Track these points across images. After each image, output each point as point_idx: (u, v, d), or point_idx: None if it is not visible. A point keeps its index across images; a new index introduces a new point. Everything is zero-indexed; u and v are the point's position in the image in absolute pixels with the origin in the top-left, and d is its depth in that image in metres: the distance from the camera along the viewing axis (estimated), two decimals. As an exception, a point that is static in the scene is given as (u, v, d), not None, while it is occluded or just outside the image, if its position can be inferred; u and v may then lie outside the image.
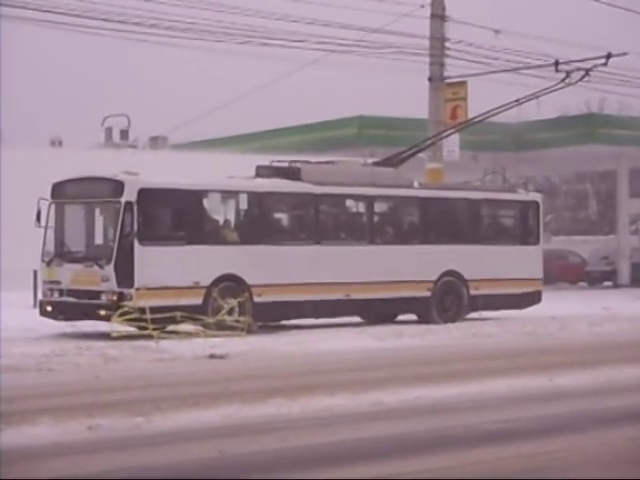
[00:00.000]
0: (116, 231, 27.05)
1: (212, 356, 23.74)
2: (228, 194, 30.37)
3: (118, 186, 27.40)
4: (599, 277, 64.01)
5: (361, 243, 32.03)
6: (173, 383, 20.49)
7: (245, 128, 55.82)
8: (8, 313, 31.44)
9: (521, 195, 36.46)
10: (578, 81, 38.35)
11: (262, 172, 32.56)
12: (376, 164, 36.26)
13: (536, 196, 36.95)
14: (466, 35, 40.01)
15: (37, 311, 29.64)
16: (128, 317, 26.81)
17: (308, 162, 33.53)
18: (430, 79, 40.39)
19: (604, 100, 55.43)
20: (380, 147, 57.51)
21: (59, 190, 29.15)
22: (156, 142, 42.55)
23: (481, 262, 33.52)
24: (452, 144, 41.79)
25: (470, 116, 42.23)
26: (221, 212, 30.29)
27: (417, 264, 32.34)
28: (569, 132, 57.96)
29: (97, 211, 28.90)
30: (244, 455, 12.72)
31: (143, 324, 26.90)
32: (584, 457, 12.70)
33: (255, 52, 38.32)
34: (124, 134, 34.91)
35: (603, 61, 38.31)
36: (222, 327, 27.99)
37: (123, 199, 26.83)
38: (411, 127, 46.10)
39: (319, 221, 31.76)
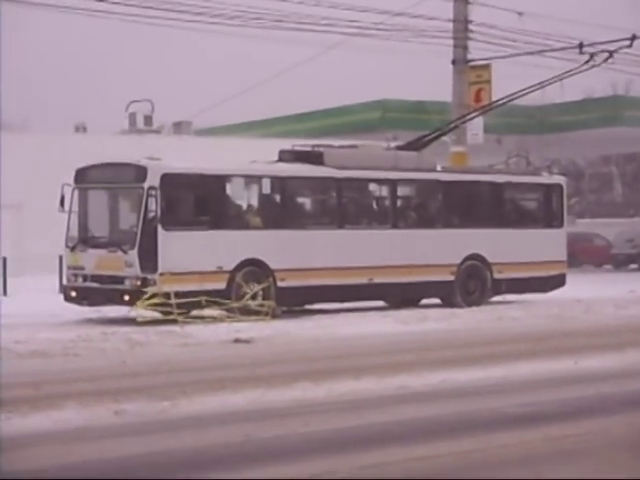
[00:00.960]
0: (139, 216, 26.99)
1: (237, 340, 23.79)
2: (251, 179, 30.33)
3: (141, 171, 27.37)
4: (624, 260, 63.84)
5: (384, 227, 31.87)
6: (198, 368, 20.47)
7: (268, 113, 55.76)
8: (34, 298, 31.61)
9: (545, 178, 36.32)
10: (602, 63, 38.35)
11: (285, 157, 32.42)
12: (399, 148, 36.10)
13: (560, 179, 36.77)
14: (489, 17, 39.96)
15: (62, 296, 29.40)
16: (152, 302, 26.80)
17: (331, 146, 33.41)
18: (454, 62, 40.32)
19: (630, 82, 55.10)
20: (403, 131, 57.39)
21: (83, 176, 29.16)
22: (180, 127, 42.59)
23: (505, 245, 33.32)
24: (476, 127, 41.72)
25: (494, 99, 42.15)
26: (244, 197, 30.25)
27: (441, 248, 32.16)
28: (594, 114, 57.80)
29: (120, 196, 28.87)
30: (269, 439, 12.81)
31: (167, 309, 26.97)
32: (610, 439, 12.76)
33: (276, 36, 38.21)
34: (148, 120, 35.01)
35: (628, 43, 38.19)
36: (246, 312, 27.91)
37: (146, 184, 26.81)
38: (435, 110, 46.05)
39: (342, 205, 31.49)
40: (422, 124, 53.47)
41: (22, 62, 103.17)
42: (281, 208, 30.52)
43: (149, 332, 25.75)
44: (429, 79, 41.34)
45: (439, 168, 34.27)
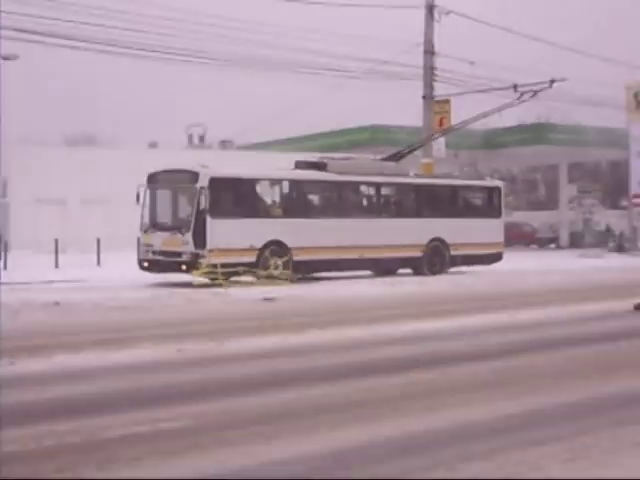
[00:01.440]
0: (193, 208, 27.59)
1: (265, 299, 24.08)
2: (274, 181, 30.78)
3: (194, 176, 27.82)
4: (546, 241, 64.05)
5: (371, 217, 32.34)
6: (237, 319, 20.74)
7: (289, 133, 55.66)
8: (119, 268, 31.94)
9: (487, 182, 37.60)
10: (529, 99, 38.93)
11: (299, 165, 33.09)
12: (383, 159, 36.73)
13: (499, 183, 37.49)
14: (450, 64, 40.12)
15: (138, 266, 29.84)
16: (204, 271, 27.38)
17: (332, 158, 33.73)
18: (424, 97, 40.57)
19: (550, 112, 54.97)
20: (387, 147, 57.41)
21: (152, 179, 29.70)
22: (225, 144, 42.41)
23: (458, 231, 33.72)
24: (439, 145, 42.02)
25: (452, 124, 42.59)
26: (269, 194, 30.68)
27: (412, 232, 32.55)
28: (524, 136, 57.81)
29: (179, 194, 29.37)
30: (288, 370, 13.11)
31: (214, 276, 27.46)
32: (536, 370, 13.06)
33: (295, 77, 38.21)
34: (202, 138, 34.83)
35: (548, 85, 38.70)
36: (271, 278, 28.35)
37: (198, 185, 27.42)
38: (410, 132, 46.08)
39: (341, 201, 32.06)
40: (400, 142, 53.50)
41: (111, 90, 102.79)
42: (296, 202, 30.99)
43: (202, 292, 26.19)
44: (406, 109, 41.42)
45: (412, 174, 34.88)
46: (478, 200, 36.20)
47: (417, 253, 32.66)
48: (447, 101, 41.63)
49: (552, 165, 70.48)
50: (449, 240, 33.43)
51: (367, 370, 12.78)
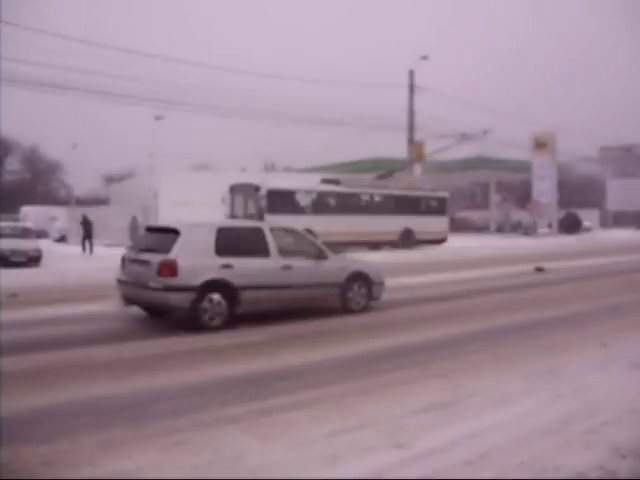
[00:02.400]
0: (257, 207, 27.94)
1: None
2: (307, 192, 30.62)
3: (258, 187, 28.24)
4: (482, 228, 63.34)
5: (368, 215, 32.08)
6: None
7: (326, 162, 55.38)
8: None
9: (439, 193, 36.51)
10: (469, 140, 39.51)
11: (324, 181, 33.43)
12: (375, 178, 37.48)
13: (445, 194, 36.83)
14: (425, 119, 40.06)
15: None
16: None
17: (343, 177, 34.44)
18: (408, 140, 40.45)
19: (484, 150, 54.82)
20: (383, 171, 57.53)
21: (233, 188, 29.84)
22: (286, 169, 42.45)
23: (421, 223, 33.80)
24: (417, 169, 41.94)
25: (428, 158, 42.88)
26: (304, 200, 30.36)
27: (392, 224, 32.65)
28: (469, 164, 57.68)
29: (249, 198, 29.05)
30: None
31: None
32: (477, 307, 12.90)
33: (331, 128, 38.15)
34: (272, 165, 34.83)
35: (482, 134, 39.11)
36: None
37: (260, 193, 27.92)
38: (399, 162, 45.83)
39: (348, 204, 31.73)
40: (393, 168, 53.50)
41: (218, 135, 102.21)
42: (320, 204, 30.72)
43: None
44: (397, 147, 41.32)
45: (393, 188, 34.67)
46: (433, 204, 35.78)
47: (394, 237, 32.91)
48: (422, 143, 41.64)
49: (485, 182, 70.21)
50: (414, 229, 33.58)
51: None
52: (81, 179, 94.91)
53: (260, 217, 26.85)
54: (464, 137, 41.32)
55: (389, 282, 13.07)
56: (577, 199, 79.19)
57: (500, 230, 59.22)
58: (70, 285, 17.20)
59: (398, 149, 42.66)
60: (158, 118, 51.85)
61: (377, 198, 33.29)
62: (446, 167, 60.13)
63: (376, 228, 31.79)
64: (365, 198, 32.85)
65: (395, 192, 34.19)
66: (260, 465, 4.61)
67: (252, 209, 28.47)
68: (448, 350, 8.63)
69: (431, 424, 5.52)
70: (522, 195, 74.20)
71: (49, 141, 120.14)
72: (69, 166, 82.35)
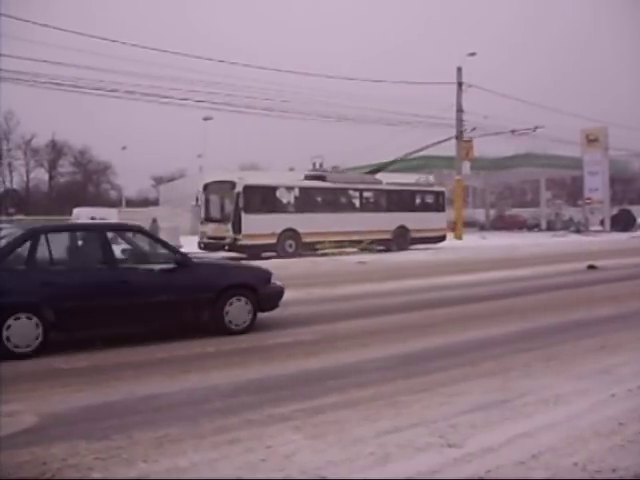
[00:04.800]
0: (233, 206, 26.18)
1: (359, 262, 23.75)
2: (289, 188, 29.04)
3: (234, 184, 26.32)
4: (532, 226, 62.47)
5: (356, 211, 30.23)
6: (343, 274, 20.02)
7: (373, 161, 54.99)
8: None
9: (435, 188, 34.74)
10: (520, 135, 38.77)
11: (308, 176, 31.50)
12: (365, 173, 35.16)
13: (443, 188, 35.13)
14: (473, 116, 39.57)
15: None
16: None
17: (329, 172, 31.62)
18: (456, 138, 40.00)
19: (535, 146, 54.04)
20: (435, 170, 56.86)
21: (206, 186, 28.34)
22: (335, 168, 42.13)
23: (417, 220, 31.67)
24: (466, 166, 41.22)
25: (477, 155, 42.30)
26: (286, 197, 28.77)
27: (385, 222, 30.62)
28: (519, 161, 56.97)
29: (224, 197, 27.52)
30: (375, 305, 13.09)
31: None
32: (525, 305, 12.75)
33: (380, 127, 37.86)
34: (321, 165, 34.60)
35: (533, 129, 38.22)
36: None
37: (236, 190, 25.99)
38: (447, 160, 45.39)
39: (335, 201, 29.88)
40: (441, 166, 53.11)
41: (268, 136, 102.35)
42: (304, 202, 28.75)
43: (320, 258, 26.00)
44: (446, 145, 40.83)
45: (384, 183, 32.49)
46: (429, 200, 33.56)
47: (388, 236, 30.68)
48: (470, 140, 41.04)
49: (535, 179, 69.27)
50: (410, 227, 31.39)
51: (425, 305, 12.82)
52: (131, 180, 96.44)
53: (237, 218, 25.75)
54: (514, 133, 40.68)
55: (440, 281, 12.99)
56: (630, 195, 77.70)
57: (551, 228, 58.40)
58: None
59: (445, 147, 42.16)
60: (207, 119, 52.33)
61: (367, 194, 31.46)
62: (495, 164, 59.61)
63: (367, 226, 29.80)
64: (354, 194, 31.00)
65: (387, 187, 32.34)
66: (311, 464, 4.63)
67: (228, 209, 26.93)
68: (500, 348, 8.55)
69: (483, 423, 5.46)
70: (573, 192, 73.19)
71: (99, 143, 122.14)
72: (119, 167, 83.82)
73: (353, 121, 35.29)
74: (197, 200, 28.70)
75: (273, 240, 26.65)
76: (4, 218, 57.29)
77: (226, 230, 25.91)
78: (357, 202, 30.87)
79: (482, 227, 61.31)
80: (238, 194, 25.87)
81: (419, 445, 4.95)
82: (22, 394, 6.46)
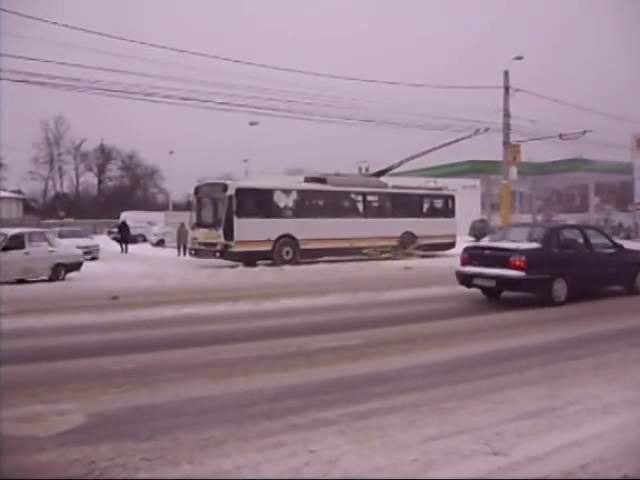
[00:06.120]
0: (225, 211, 24.37)
1: (405, 268, 23.54)
2: (285, 191, 26.92)
3: (225, 187, 24.84)
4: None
5: (359, 216, 28.63)
6: (389, 279, 19.74)
7: (419, 166, 54.69)
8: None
9: (444, 191, 32.90)
10: (568, 140, 38.19)
11: (308, 180, 30.03)
12: (368, 175, 33.58)
13: (453, 192, 33.00)
14: (520, 121, 39.08)
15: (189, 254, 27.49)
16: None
17: (330, 175, 30.11)
18: (503, 143, 39.55)
19: (583, 150, 53.36)
20: (482, 174, 56.40)
21: (197, 190, 27.01)
22: (380, 173, 41.77)
23: (424, 226, 30.03)
24: (513, 171, 40.72)
25: (523, 160, 41.82)
26: (282, 200, 26.67)
27: (390, 228, 28.96)
28: (567, 166, 56.41)
29: (216, 200, 25.42)
30: (420, 311, 13.08)
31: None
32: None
33: (425, 132, 37.47)
34: (367, 169, 34.37)
35: (581, 133, 37.65)
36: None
37: (227, 194, 24.33)
38: (496, 165, 44.82)
39: (336, 205, 28.22)
40: (489, 172, 52.69)
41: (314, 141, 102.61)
42: (302, 206, 27.07)
43: (365, 264, 25.78)
44: (493, 150, 40.40)
45: (389, 186, 30.87)
46: (438, 204, 31.81)
47: (394, 242, 29.04)
48: (518, 145, 40.51)
49: (584, 184, 68.35)
50: (417, 233, 29.73)
51: (469, 311, 12.67)
52: (178, 184, 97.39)
53: (228, 223, 24.34)
54: (562, 138, 40.07)
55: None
56: (683, 201, 76.26)
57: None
58: (168, 289, 17.75)
59: (493, 152, 41.60)
60: (253, 124, 52.78)
61: (371, 197, 29.78)
62: (542, 169, 58.95)
63: (370, 232, 28.30)
64: (357, 198, 29.42)
65: (392, 190, 30.68)
66: (355, 469, 4.62)
67: (220, 213, 25.15)
68: (547, 356, 8.45)
69: (529, 432, 5.40)
70: (623, 197, 71.99)
71: (147, 147, 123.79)
72: (166, 171, 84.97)
73: (399, 125, 34.84)
74: (189, 204, 27.64)
75: (268, 247, 25.34)
76: (54, 221, 58.62)
77: (217, 236, 24.64)
78: (360, 206, 29.49)
79: (529, 233, 60.78)
80: (230, 197, 24.50)
81: (464, 452, 4.93)
82: (72, 394, 6.60)
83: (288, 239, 25.86)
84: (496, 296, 14.53)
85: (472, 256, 14.53)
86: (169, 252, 33.97)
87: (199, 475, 4.55)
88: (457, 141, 34.22)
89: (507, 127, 39.15)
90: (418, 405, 6.18)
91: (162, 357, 8.44)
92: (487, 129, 34.29)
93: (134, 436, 5.30)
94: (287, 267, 23.91)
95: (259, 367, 7.78)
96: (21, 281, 19.16)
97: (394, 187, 30.91)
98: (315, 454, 4.89)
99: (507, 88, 39.49)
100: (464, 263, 14.69)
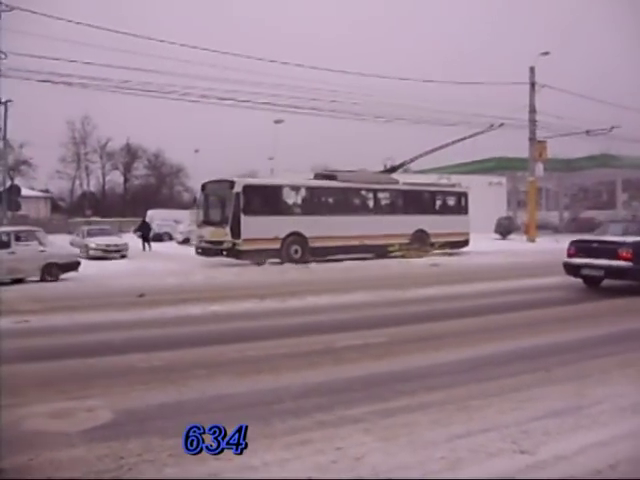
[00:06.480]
0: (232, 208, 23.75)
1: (432, 265, 23.45)
2: (294, 187, 26.50)
3: (232, 184, 24.15)
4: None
5: (369, 214, 27.92)
6: (415, 277, 19.62)
7: (444, 163, 54.34)
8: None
9: (457, 188, 32.16)
10: (595, 136, 38.04)
11: (317, 176, 29.68)
12: (379, 172, 32.65)
13: (466, 189, 31.96)
14: (546, 117, 38.74)
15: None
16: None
17: (340, 171, 29.57)
18: (529, 139, 39.29)
19: (610, 146, 52.79)
20: (507, 171, 55.96)
21: (204, 187, 26.45)
22: (406, 170, 41.52)
23: (437, 224, 29.20)
24: (539, 168, 40.42)
25: (550, 156, 41.57)
26: (291, 197, 26.22)
27: (401, 225, 28.19)
28: (593, 162, 55.91)
29: (223, 197, 24.84)
30: (444, 309, 13.00)
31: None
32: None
33: (452, 128, 37.08)
34: (391, 165, 34.19)
35: (608, 130, 37.25)
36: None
37: (234, 190, 23.70)
38: (522, 161, 44.44)
39: (346, 202, 27.52)
40: (515, 168, 52.32)
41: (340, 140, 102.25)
42: (312, 203, 26.46)
43: (390, 261, 25.64)
44: (519, 146, 40.11)
45: (401, 182, 30.28)
46: (451, 202, 30.99)
47: (405, 240, 28.23)
48: (544, 141, 40.24)
49: (611, 181, 67.61)
50: (429, 231, 28.99)
51: (495, 309, 12.57)
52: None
53: (235, 220, 23.77)
54: (589, 134, 39.63)
55: (512, 284, 12.65)
56: None
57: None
58: (195, 286, 17.87)
59: (519, 148, 41.30)
60: (278, 122, 52.91)
61: (382, 194, 29.26)
62: (569, 165, 58.39)
63: (381, 230, 27.61)
64: (367, 195, 28.86)
65: (404, 187, 30.06)
66: (381, 466, 4.63)
67: (227, 210, 24.52)
68: (574, 354, 8.39)
69: (556, 430, 5.38)
70: (651, 193, 71.25)
71: (173, 146, 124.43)
72: (192, 170, 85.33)
73: (427, 123, 34.59)
74: (195, 201, 27.12)
75: (276, 245, 24.75)
76: (81, 220, 59.15)
77: (224, 234, 24.09)
78: (371, 203, 28.92)
79: (556, 230, 60.07)
80: (237, 194, 23.92)
81: (491, 450, 4.91)
82: (100, 390, 6.68)
83: (297, 237, 25.38)
84: (597, 285, 15.77)
85: (579, 249, 15.70)
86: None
87: (226, 471, 4.58)
88: (471, 137, 33.42)
89: (533, 123, 38.96)
90: (444, 403, 6.17)
91: (188, 354, 8.51)
92: (501, 124, 33.67)
93: (161, 432, 5.35)
94: (313, 265, 23.93)
95: (285, 364, 7.81)
96: (18, 281, 18.84)
97: (405, 184, 30.49)
98: (342, 451, 4.90)
99: (533, 84, 39.28)
100: (571, 255, 15.88)
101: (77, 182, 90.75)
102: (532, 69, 39.76)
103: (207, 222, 25.52)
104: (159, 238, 43.34)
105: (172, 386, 6.85)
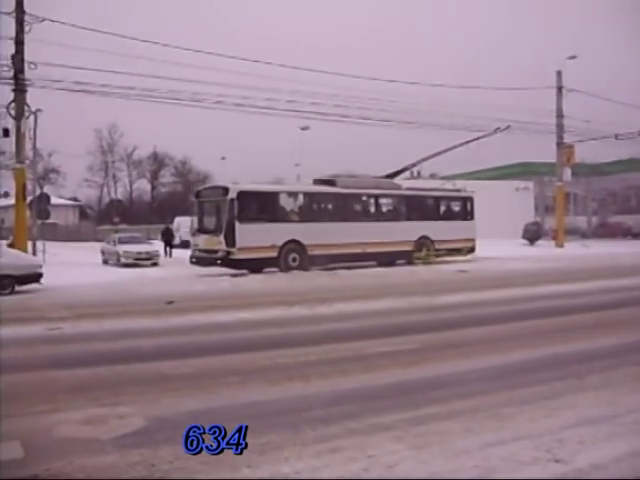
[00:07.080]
0: (226, 215, 23.11)
1: (459, 271, 23.27)
2: (291, 194, 26.11)
3: (226, 190, 23.50)
4: (638, 234, 59.78)
5: (371, 220, 27.22)
6: (442, 283, 19.76)
7: (470, 169, 54.31)
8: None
9: (462, 193, 31.18)
10: (624, 140, 37.63)
11: (316, 182, 28.51)
12: (381, 177, 30.88)
13: (472, 193, 30.95)
14: (573, 121, 38.47)
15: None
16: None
17: (340, 176, 28.50)
18: (557, 144, 39.01)
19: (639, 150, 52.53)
20: (534, 176, 55.57)
21: (198, 193, 26.26)
22: (432, 175, 41.34)
23: (441, 230, 28.50)
24: (567, 172, 40.18)
25: (577, 161, 41.22)
26: (288, 203, 25.61)
27: (404, 232, 27.52)
28: (621, 167, 55.65)
29: (217, 204, 24.17)
30: (472, 315, 12.97)
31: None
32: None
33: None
34: (418, 172, 34.11)
35: (637, 133, 36.83)
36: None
37: (229, 197, 23.01)
38: (547, 166, 44.25)
39: (347, 208, 26.80)
40: (542, 173, 51.96)
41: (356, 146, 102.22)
42: (310, 210, 25.98)
43: (418, 267, 25.68)
44: (546, 151, 39.93)
45: (404, 188, 29.71)
46: (456, 207, 30.34)
47: (408, 247, 27.70)
48: (572, 146, 39.94)
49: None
50: (433, 237, 28.30)
51: (525, 315, 12.53)
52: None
53: (230, 228, 23.14)
54: (618, 138, 39.22)
55: (541, 290, 12.61)
56: None
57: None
58: (222, 293, 17.95)
59: (545, 153, 41.08)
60: (304, 129, 52.93)
61: (384, 200, 28.52)
62: (597, 170, 57.86)
63: (384, 237, 26.96)
64: (368, 201, 28.16)
65: (407, 192, 29.29)
66: (414, 474, 4.58)
67: (221, 218, 23.89)
68: (607, 361, 8.29)
69: (590, 439, 5.29)
70: (682, 197, 70.33)
71: (199, 154, 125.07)
72: (219, 177, 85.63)
73: (449, 128, 34.33)
74: (193, 210, 26.77)
75: (273, 253, 24.12)
76: (109, 227, 59.72)
77: (218, 242, 23.49)
78: (372, 210, 28.26)
79: (584, 235, 59.45)
80: (232, 201, 23.28)
81: (525, 459, 4.84)
82: (131, 397, 6.71)
83: (295, 245, 24.76)
84: None
85: None
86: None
87: (258, 478, 4.55)
88: (475, 140, 33.02)
89: (560, 128, 38.67)
90: (476, 410, 6.11)
91: (219, 361, 8.54)
92: (508, 126, 33.10)
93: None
94: (341, 271, 23.84)
95: (316, 372, 7.79)
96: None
97: (408, 189, 29.96)
98: (374, 459, 4.86)
99: (560, 88, 39.03)
100: None
101: (105, 190, 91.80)
102: (559, 73, 39.47)
103: (201, 230, 25.15)
104: (186, 245, 43.62)
105: (203, 393, 6.86)
